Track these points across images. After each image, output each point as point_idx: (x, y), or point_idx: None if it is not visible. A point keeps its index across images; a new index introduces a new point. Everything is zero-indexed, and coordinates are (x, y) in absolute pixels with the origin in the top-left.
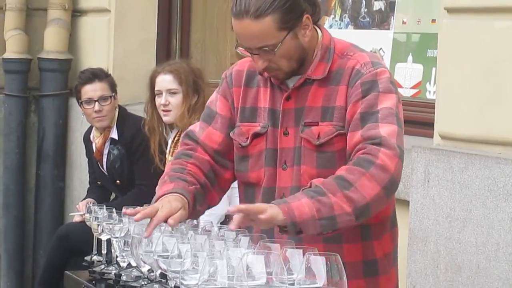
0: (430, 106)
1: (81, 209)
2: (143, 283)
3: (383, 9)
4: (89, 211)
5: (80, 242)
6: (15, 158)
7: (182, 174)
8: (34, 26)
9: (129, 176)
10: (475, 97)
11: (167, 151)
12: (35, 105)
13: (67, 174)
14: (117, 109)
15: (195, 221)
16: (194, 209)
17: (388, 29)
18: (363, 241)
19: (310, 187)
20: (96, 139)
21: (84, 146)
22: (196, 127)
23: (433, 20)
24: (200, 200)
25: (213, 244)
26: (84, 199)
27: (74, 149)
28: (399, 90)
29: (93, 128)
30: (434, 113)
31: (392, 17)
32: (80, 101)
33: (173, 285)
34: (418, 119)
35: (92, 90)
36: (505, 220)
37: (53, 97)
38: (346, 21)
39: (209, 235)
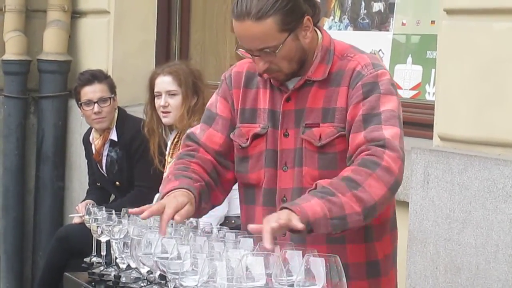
0: (429, 107)
1: (80, 210)
2: (142, 284)
3: (382, 10)
4: (88, 212)
5: (79, 243)
6: (14, 159)
7: (186, 172)
8: (34, 28)
9: (128, 177)
10: (474, 98)
11: (167, 152)
12: (34, 107)
13: (67, 176)
14: (117, 111)
15: (194, 223)
16: (200, 206)
17: (388, 30)
18: (366, 242)
19: (315, 188)
20: (96, 140)
21: (83, 148)
22: (196, 129)
23: (433, 22)
24: (205, 197)
25: (212, 246)
26: (84, 200)
27: (73, 150)
28: (399, 91)
29: (93, 130)
30: (433, 114)
31: (392, 18)
32: (79, 102)
33: (172, 287)
34: (418, 120)
35: (91, 91)
36: (505, 222)
37: (53, 99)
38: (346, 23)
39: (208, 236)
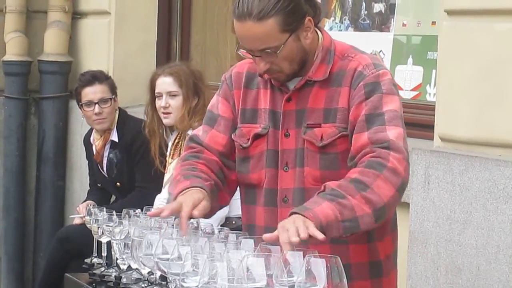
0: (430, 108)
1: (81, 211)
2: (143, 285)
3: (383, 11)
4: (89, 213)
5: (80, 244)
6: (15, 160)
7: (195, 172)
8: (34, 29)
9: (129, 178)
10: (475, 99)
11: (168, 153)
12: (35, 108)
13: (67, 176)
14: (117, 112)
15: (195, 223)
16: (212, 204)
17: (388, 31)
18: (368, 243)
19: (324, 190)
20: (96, 141)
21: (84, 148)
22: (199, 131)
23: (433, 22)
24: (215, 196)
25: (213, 246)
26: (84, 201)
27: (74, 151)
28: (399, 92)
29: (93, 131)
30: (434, 115)
31: (392, 19)
32: (80, 103)
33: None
34: (418, 121)
35: (92, 92)
36: (505, 222)
37: (53, 100)
38: (346, 23)
39: (209, 237)
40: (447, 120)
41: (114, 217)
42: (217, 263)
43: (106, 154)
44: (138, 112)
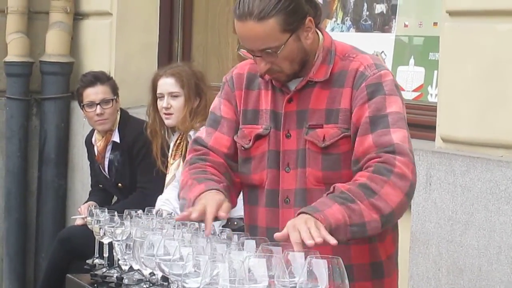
0: (432, 109)
1: (83, 212)
2: (144, 286)
3: (385, 12)
4: (91, 214)
5: (82, 245)
6: (16, 161)
7: (206, 175)
8: (36, 29)
9: (131, 179)
10: (477, 100)
11: (169, 154)
12: (36, 108)
13: (69, 177)
14: (119, 112)
15: (196, 224)
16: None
17: (390, 32)
18: (369, 243)
19: (334, 191)
20: (98, 142)
21: (86, 149)
22: (202, 134)
23: (435, 23)
24: (228, 197)
25: (215, 247)
26: (86, 202)
27: (76, 152)
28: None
29: (95, 131)
30: (436, 116)
31: (394, 20)
32: (82, 104)
33: None
34: (420, 122)
35: (94, 93)
36: (507, 223)
37: (55, 100)
38: (348, 24)
39: (211, 238)
40: (449, 121)
41: (116, 218)
42: (219, 264)
43: (107, 155)
44: (140, 113)
